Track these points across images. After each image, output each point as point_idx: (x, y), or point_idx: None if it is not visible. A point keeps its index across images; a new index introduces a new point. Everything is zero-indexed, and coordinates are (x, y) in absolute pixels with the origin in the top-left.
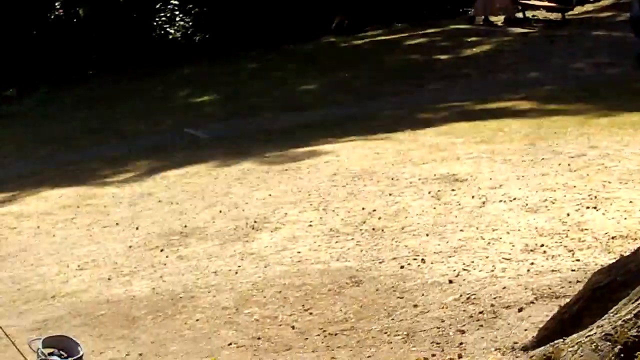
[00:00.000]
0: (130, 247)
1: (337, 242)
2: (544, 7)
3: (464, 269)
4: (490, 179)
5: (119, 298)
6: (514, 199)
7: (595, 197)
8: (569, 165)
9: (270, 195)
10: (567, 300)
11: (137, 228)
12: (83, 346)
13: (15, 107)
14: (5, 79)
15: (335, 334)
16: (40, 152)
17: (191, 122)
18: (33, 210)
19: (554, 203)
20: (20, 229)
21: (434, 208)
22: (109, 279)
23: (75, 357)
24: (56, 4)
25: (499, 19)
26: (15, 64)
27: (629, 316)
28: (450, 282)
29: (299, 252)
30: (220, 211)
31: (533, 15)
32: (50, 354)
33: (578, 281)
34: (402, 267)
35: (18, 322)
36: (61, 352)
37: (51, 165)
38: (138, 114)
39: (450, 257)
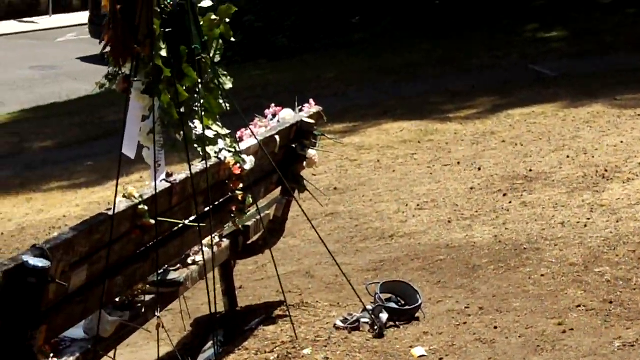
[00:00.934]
0: (471, 188)
1: None
2: None
3: None
4: None
5: (459, 243)
6: None
7: None
8: None
9: (622, 142)
10: None
11: (479, 169)
12: (420, 293)
13: (360, 36)
14: (351, 7)
15: None
16: (383, 82)
17: (537, 58)
18: (374, 143)
19: None
20: (361, 162)
21: None
22: (449, 221)
23: (413, 306)
24: None
25: None
26: None
27: None
28: None
29: None
30: (568, 156)
31: None
32: (388, 299)
33: None
34: None
35: (354, 260)
36: (399, 298)
37: (393, 96)
38: (482, 46)
39: None
